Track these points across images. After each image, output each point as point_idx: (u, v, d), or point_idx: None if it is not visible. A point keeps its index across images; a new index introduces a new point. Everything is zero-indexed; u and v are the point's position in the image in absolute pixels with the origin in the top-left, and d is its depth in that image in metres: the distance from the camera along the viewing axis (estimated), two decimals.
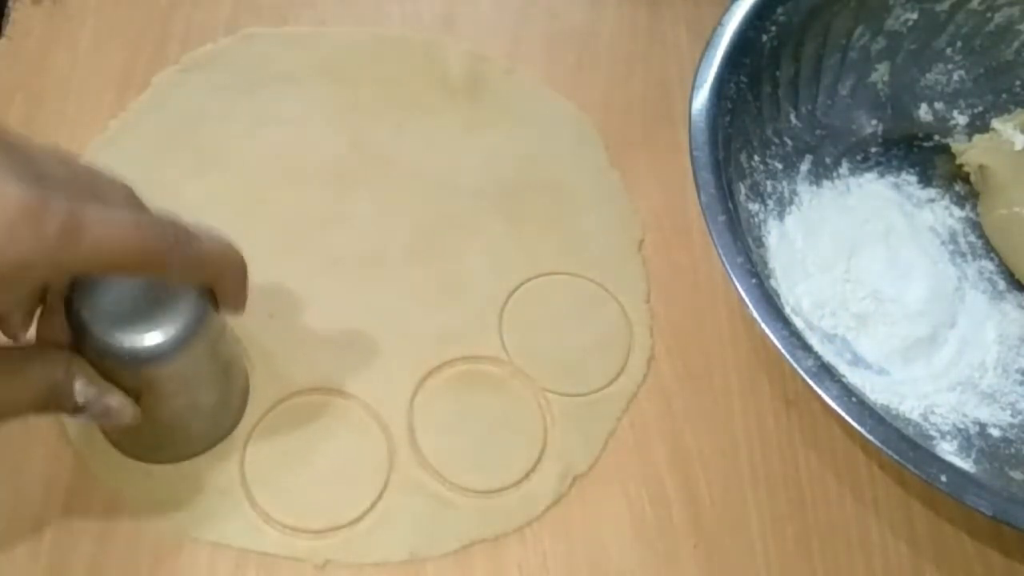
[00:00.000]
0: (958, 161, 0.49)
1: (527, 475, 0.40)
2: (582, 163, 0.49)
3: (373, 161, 0.48)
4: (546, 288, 0.45)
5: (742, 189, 0.44)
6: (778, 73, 0.47)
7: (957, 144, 0.50)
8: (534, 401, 0.42)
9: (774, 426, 0.43)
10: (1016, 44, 0.50)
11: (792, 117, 0.48)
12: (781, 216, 0.46)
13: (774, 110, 0.47)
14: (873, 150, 0.51)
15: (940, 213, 0.49)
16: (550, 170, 0.49)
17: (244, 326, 0.42)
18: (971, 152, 0.49)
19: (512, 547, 0.39)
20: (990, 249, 0.48)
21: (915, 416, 0.42)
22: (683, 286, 0.46)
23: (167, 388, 0.34)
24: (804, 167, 0.49)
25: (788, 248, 0.45)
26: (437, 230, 0.46)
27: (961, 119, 0.52)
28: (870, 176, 0.50)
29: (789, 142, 0.48)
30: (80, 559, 0.37)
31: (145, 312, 0.32)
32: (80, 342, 0.32)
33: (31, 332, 0.33)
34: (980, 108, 0.51)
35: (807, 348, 0.37)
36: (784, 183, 0.47)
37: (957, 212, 0.49)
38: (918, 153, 0.51)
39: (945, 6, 0.49)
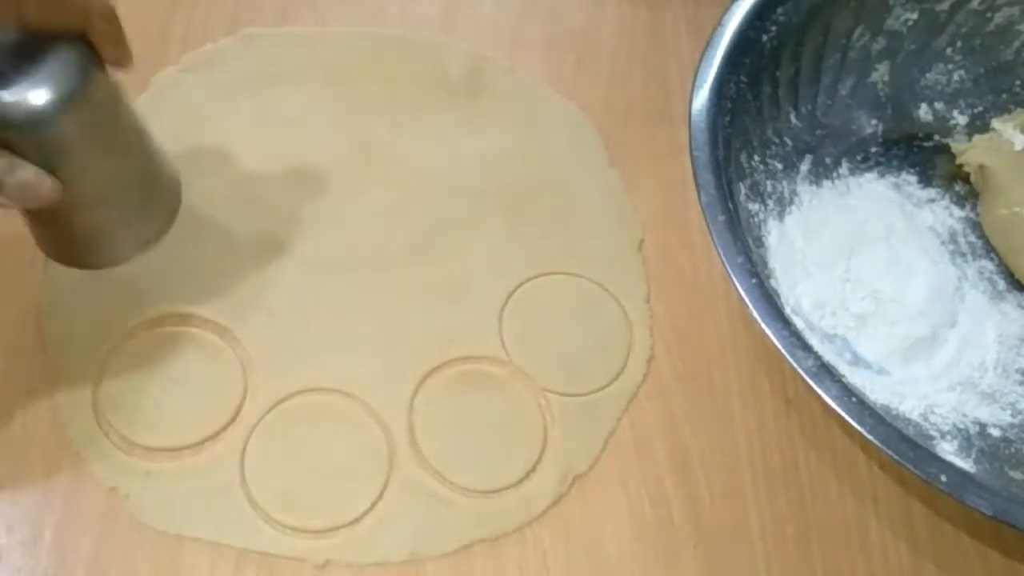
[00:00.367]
0: (958, 161, 0.49)
1: (527, 475, 0.40)
2: (582, 163, 0.49)
3: (373, 161, 0.48)
4: (546, 288, 0.45)
5: (742, 189, 0.44)
6: (778, 73, 0.47)
7: (957, 144, 0.50)
8: (534, 401, 0.42)
9: (774, 426, 0.43)
10: (1016, 44, 0.50)
11: (792, 117, 0.48)
12: (781, 216, 0.46)
13: (774, 110, 0.47)
14: (873, 150, 0.51)
15: (940, 213, 0.49)
16: (550, 170, 0.49)
17: (244, 326, 0.42)
18: (971, 152, 0.49)
19: (512, 547, 0.39)
20: (990, 249, 0.48)
21: (915, 416, 0.42)
22: (683, 286, 0.46)
23: (76, 158, 0.34)
24: (804, 167, 0.49)
25: (788, 248, 0.45)
26: (437, 230, 0.46)
27: (961, 119, 0.52)
28: (870, 176, 0.50)
29: (789, 142, 0.48)
30: (80, 559, 0.37)
31: (29, 72, 0.32)
32: None
33: None
34: (980, 108, 0.51)
35: (807, 348, 0.37)
36: (784, 183, 0.47)
37: (957, 212, 0.49)
38: (918, 153, 0.51)
39: (945, 6, 0.49)
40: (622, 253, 0.47)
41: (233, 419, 0.40)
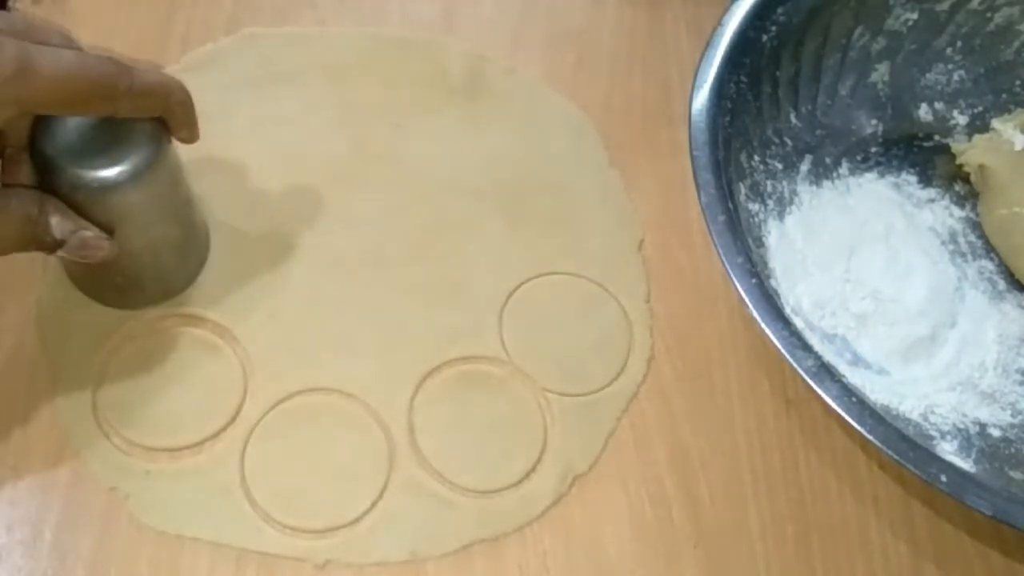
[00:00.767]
0: (958, 161, 0.49)
1: (527, 475, 0.40)
2: (582, 163, 0.49)
3: (373, 161, 0.48)
4: (546, 288, 0.45)
5: (742, 189, 0.44)
6: (778, 73, 0.47)
7: (957, 144, 0.50)
8: (534, 401, 0.42)
9: (774, 426, 0.43)
10: (1016, 44, 0.50)
11: (792, 117, 0.48)
12: (781, 216, 0.46)
13: (774, 110, 0.47)
14: (873, 150, 0.51)
15: (940, 213, 0.49)
16: (550, 170, 0.49)
17: (245, 326, 0.42)
18: (971, 152, 0.49)
19: (512, 547, 0.39)
20: (990, 249, 0.48)
21: (915, 416, 0.42)
22: (683, 286, 0.46)
23: (134, 220, 0.37)
24: (804, 167, 0.49)
25: (788, 248, 0.45)
26: (437, 230, 0.46)
27: (961, 119, 0.52)
28: (870, 176, 0.50)
29: (789, 142, 0.48)
30: (80, 559, 0.37)
31: (107, 146, 0.35)
32: (49, 181, 0.35)
33: None
34: (980, 108, 0.51)
35: (807, 348, 0.37)
36: (784, 183, 0.47)
37: (957, 212, 0.49)
38: (918, 153, 0.51)
39: (945, 6, 0.49)
40: (622, 253, 0.47)
41: (233, 419, 0.40)
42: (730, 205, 0.41)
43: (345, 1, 0.53)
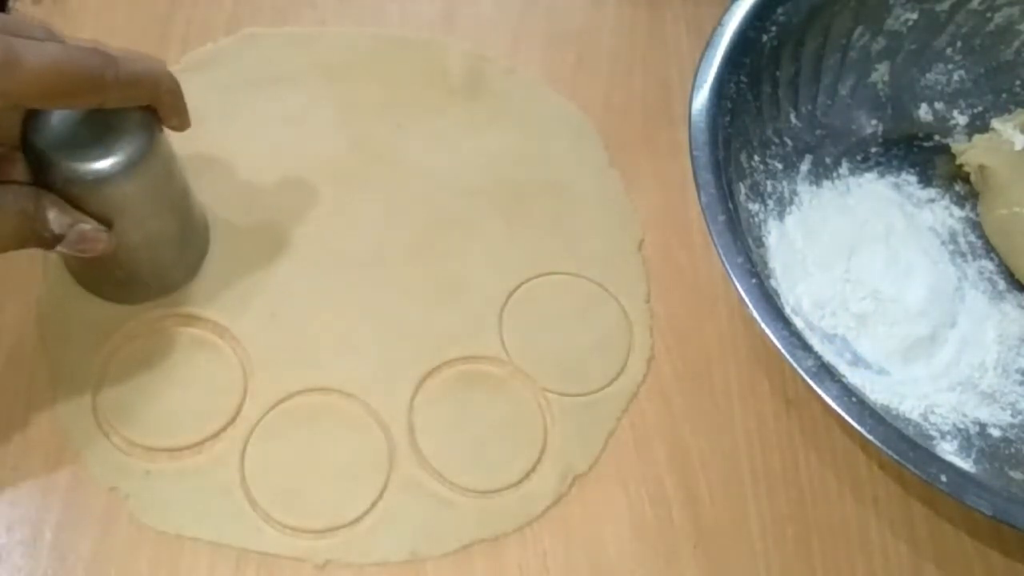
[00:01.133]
0: (958, 161, 0.49)
1: (527, 475, 0.40)
2: (582, 163, 0.49)
3: (373, 161, 0.48)
4: (546, 288, 0.45)
5: (742, 189, 0.44)
6: (778, 73, 0.47)
7: (957, 144, 0.50)
8: (534, 401, 0.42)
9: (774, 426, 0.43)
10: (1016, 44, 0.50)
11: (792, 117, 0.48)
12: (781, 216, 0.46)
13: (774, 110, 0.47)
14: (873, 150, 0.51)
15: (940, 213, 0.49)
16: (550, 170, 0.49)
17: (244, 326, 0.42)
18: (971, 152, 0.49)
19: (512, 547, 0.39)
20: (990, 249, 0.48)
21: (915, 416, 0.42)
22: (683, 286, 0.46)
23: (131, 212, 0.37)
24: (804, 167, 0.49)
25: (788, 248, 0.45)
26: (437, 230, 0.46)
27: (961, 119, 0.52)
28: (870, 176, 0.50)
29: (789, 142, 0.48)
30: (80, 559, 0.37)
31: (99, 138, 0.35)
32: (44, 176, 0.35)
33: None
34: (980, 108, 0.51)
35: (807, 348, 0.37)
36: (784, 183, 0.47)
37: (957, 212, 0.49)
38: (918, 153, 0.51)
39: (945, 6, 0.49)
40: (622, 253, 0.47)
41: (233, 419, 0.40)
42: (730, 205, 0.41)
43: (345, 1, 0.53)
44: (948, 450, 0.41)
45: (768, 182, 0.46)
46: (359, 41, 0.52)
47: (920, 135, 0.51)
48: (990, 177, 0.48)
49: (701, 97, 0.43)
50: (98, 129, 0.35)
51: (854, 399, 0.36)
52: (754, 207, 0.45)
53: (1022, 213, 0.46)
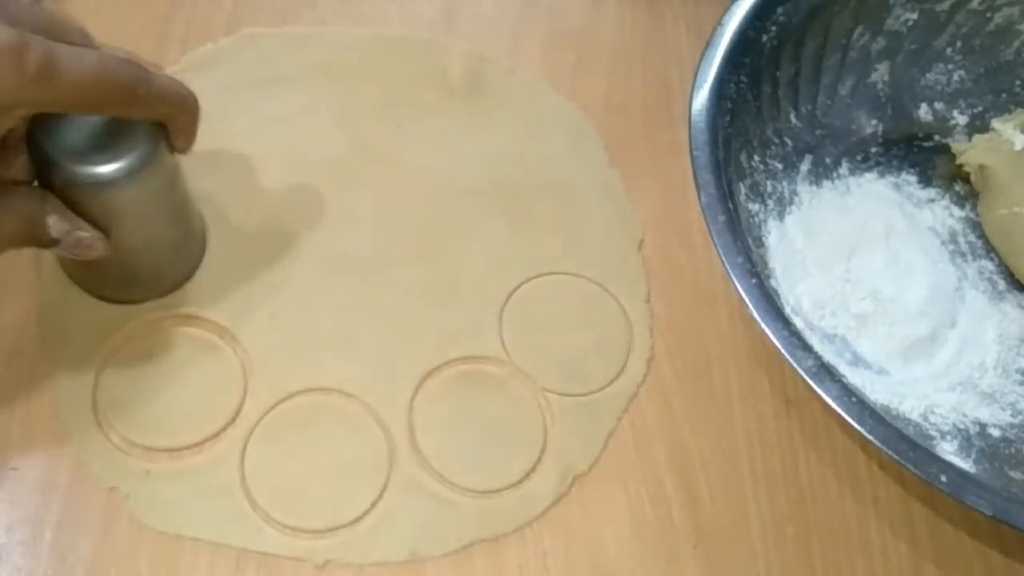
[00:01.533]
0: (958, 161, 0.49)
1: (527, 475, 0.40)
2: (582, 163, 0.49)
3: (373, 161, 0.48)
4: (546, 288, 0.45)
5: (742, 189, 0.44)
6: (778, 73, 0.47)
7: (957, 144, 0.50)
8: (534, 401, 0.42)
9: (774, 426, 0.43)
10: (1016, 44, 0.50)
11: (792, 117, 0.48)
12: (781, 216, 0.46)
13: (774, 110, 0.47)
14: (873, 150, 0.51)
15: (940, 213, 0.49)
16: (550, 170, 0.49)
17: (244, 326, 0.42)
18: (971, 152, 0.49)
19: (512, 547, 0.39)
20: (990, 249, 0.48)
21: (915, 416, 0.42)
22: (683, 286, 0.46)
23: (130, 218, 0.37)
24: (804, 167, 0.49)
25: (788, 248, 0.45)
26: (437, 230, 0.46)
27: (961, 119, 0.52)
28: (870, 176, 0.50)
29: (789, 142, 0.48)
30: (80, 559, 0.37)
31: (105, 143, 0.35)
32: (46, 176, 0.35)
33: None
34: (980, 108, 0.51)
35: (807, 348, 0.37)
36: (784, 183, 0.47)
37: (957, 212, 0.49)
38: (918, 153, 0.51)
39: (945, 6, 0.49)
40: (622, 253, 0.47)
41: (233, 419, 0.40)
42: (730, 205, 0.41)
43: (345, 1, 0.53)
44: (948, 450, 0.41)
45: (768, 182, 0.46)
46: (359, 41, 0.52)
47: (920, 135, 0.51)
48: (990, 177, 0.47)
49: (701, 97, 0.43)
50: (105, 133, 0.35)
51: (854, 399, 0.36)
52: (754, 207, 0.45)
53: (1022, 213, 0.46)
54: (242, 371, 0.41)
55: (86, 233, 0.36)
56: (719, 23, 0.45)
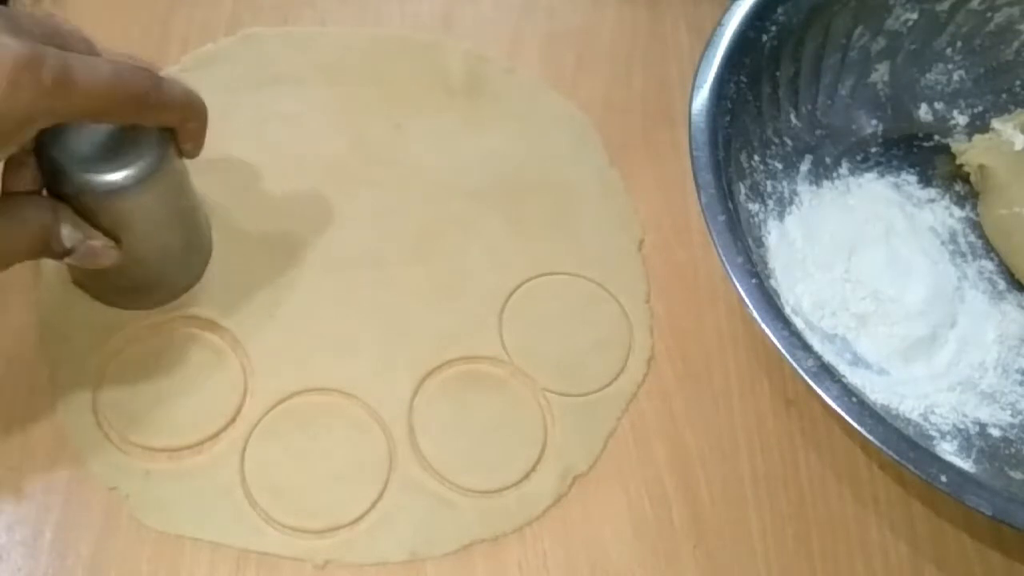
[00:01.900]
0: (958, 161, 0.49)
1: (527, 475, 0.40)
2: (582, 163, 0.49)
3: (373, 161, 0.48)
4: (546, 288, 0.45)
5: (742, 189, 0.44)
6: (778, 73, 0.47)
7: (957, 144, 0.50)
8: (534, 401, 0.42)
9: (774, 426, 0.43)
10: (1016, 44, 0.50)
11: (792, 117, 0.48)
12: (781, 216, 0.46)
13: (774, 110, 0.47)
14: (873, 150, 0.51)
15: (940, 213, 0.49)
16: (550, 170, 0.49)
17: (244, 326, 0.42)
18: (971, 152, 0.49)
19: (512, 547, 0.39)
20: (990, 249, 0.48)
21: (915, 416, 0.42)
22: (683, 286, 0.46)
23: (141, 225, 0.37)
24: (804, 167, 0.49)
25: (788, 248, 0.45)
26: (437, 230, 0.46)
27: (961, 119, 0.52)
28: (870, 176, 0.50)
29: (789, 142, 0.48)
30: (80, 559, 0.37)
31: (114, 151, 0.35)
32: (57, 186, 0.35)
33: None
34: (980, 108, 0.51)
35: (807, 348, 0.37)
36: (784, 183, 0.47)
37: (957, 212, 0.49)
38: (918, 153, 0.51)
39: (945, 6, 0.49)
40: (622, 253, 0.47)
41: (233, 419, 0.40)
42: (730, 205, 0.41)
43: (345, 1, 0.53)
44: (948, 450, 0.41)
45: (768, 182, 0.46)
46: (359, 41, 0.52)
47: (920, 135, 0.51)
48: (990, 177, 0.48)
49: (701, 97, 0.43)
50: (113, 141, 0.35)
51: (854, 399, 0.36)
52: (754, 207, 0.45)
53: (1022, 213, 0.46)
54: (242, 371, 0.41)
55: (98, 242, 0.36)
56: (719, 23, 0.45)
